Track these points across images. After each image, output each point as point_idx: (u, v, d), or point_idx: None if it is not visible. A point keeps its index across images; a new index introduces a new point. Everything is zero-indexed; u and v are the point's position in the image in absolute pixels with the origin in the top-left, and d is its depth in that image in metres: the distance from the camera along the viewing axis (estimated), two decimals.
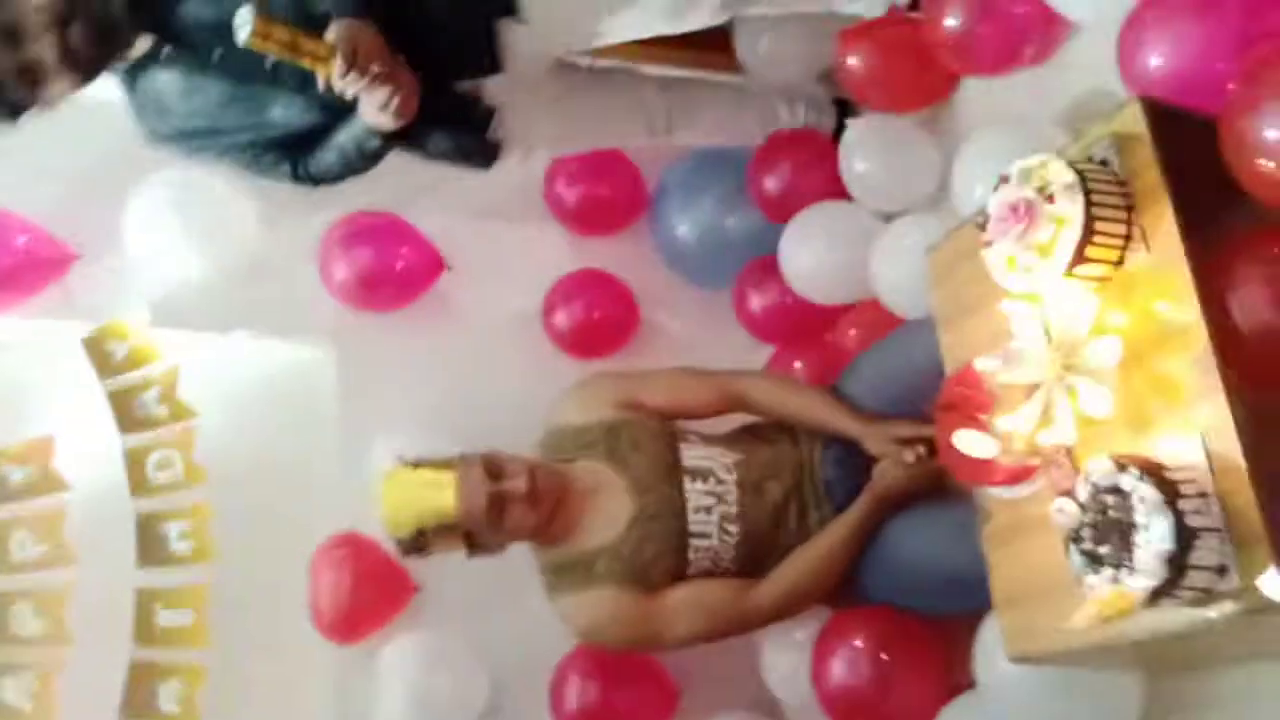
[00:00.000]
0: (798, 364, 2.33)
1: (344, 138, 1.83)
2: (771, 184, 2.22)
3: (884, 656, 1.76)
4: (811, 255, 2.15)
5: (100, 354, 2.25)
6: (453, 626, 2.21)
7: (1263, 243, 1.15)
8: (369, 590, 2.17)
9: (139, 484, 2.21)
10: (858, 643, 1.78)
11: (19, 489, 2.20)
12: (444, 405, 2.34)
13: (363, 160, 1.87)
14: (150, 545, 2.17)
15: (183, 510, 2.18)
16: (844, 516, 1.78)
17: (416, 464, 1.75)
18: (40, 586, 2.14)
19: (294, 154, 1.90)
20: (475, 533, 1.73)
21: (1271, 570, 1.06)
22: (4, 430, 2.24)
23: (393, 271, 2.39)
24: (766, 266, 2.28)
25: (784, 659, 2.04)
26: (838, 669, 1.79)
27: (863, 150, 2.05)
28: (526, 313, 2.49)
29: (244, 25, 1.55)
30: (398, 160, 1.93)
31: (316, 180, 1.93)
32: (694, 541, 1.79)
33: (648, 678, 2.17)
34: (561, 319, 2.46)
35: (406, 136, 1.85)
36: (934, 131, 2.06)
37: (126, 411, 2.24)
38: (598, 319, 2.47)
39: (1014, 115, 1.78)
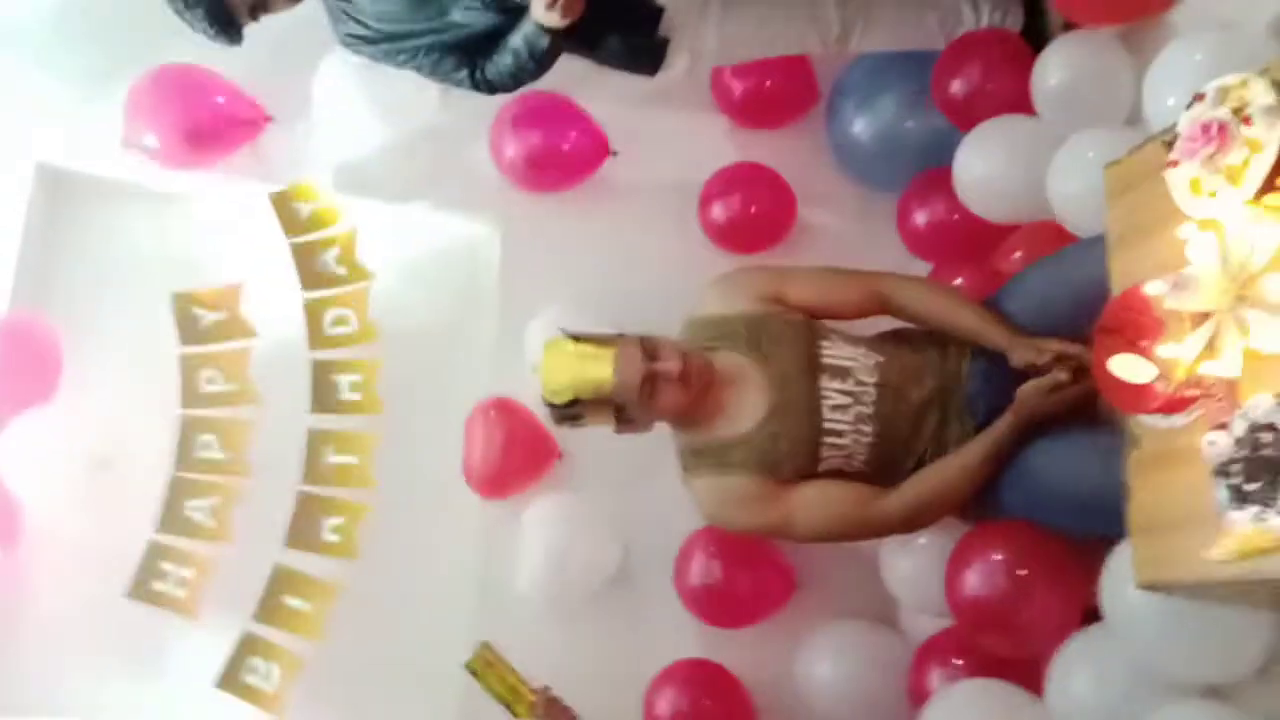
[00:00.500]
0: (955, 282, 2.25)
1: (517, 40, 1.92)
2: (959, 86, 2.10)
3: (1023, 570, 1.73)
4: (988, 167, 2.05)
5: (287, 212, 2.36)
6: (592, 495, 2.33)
7: None
8: (518, 452, 2.29)
9: (316, 336, 2.33)
10: (998, 554, 1.75)
11: (210, 331, 2.35)
12: (597, 286, 2.41)
13: (535, 64, 1.96)
14: (324, 393, 2.31)
15: (355, 363, 2.31)
16: (985, 434, 1.76)
17: (579, 337, 1.80)
18: (225, 420, 2.32)
19: (472, 59, 2.00)
20: (625, 408, 1.77)
21: None
22: (198, 276, 2.41)
23: (560, 153, 2.43)
24: (936, 180, 2.20)
25: (905, 559, 2.05)
26: (973, 578, 1.76)
27: (1058, 65, 1.94)
28: (686, 202, 2.49)
29: None
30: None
31: (493, 86, 2.03)
32: (827, 439, 1.80)
33: (769, 564, 2.24)
34: (718, 211, 2.45)
35: (576, 39, 1.90)
36: (1134, 46, 1.93)
37: (308, 268, 2.35)
38: (754, 213, 2.45)
39: (1221, 25, 1.67)
